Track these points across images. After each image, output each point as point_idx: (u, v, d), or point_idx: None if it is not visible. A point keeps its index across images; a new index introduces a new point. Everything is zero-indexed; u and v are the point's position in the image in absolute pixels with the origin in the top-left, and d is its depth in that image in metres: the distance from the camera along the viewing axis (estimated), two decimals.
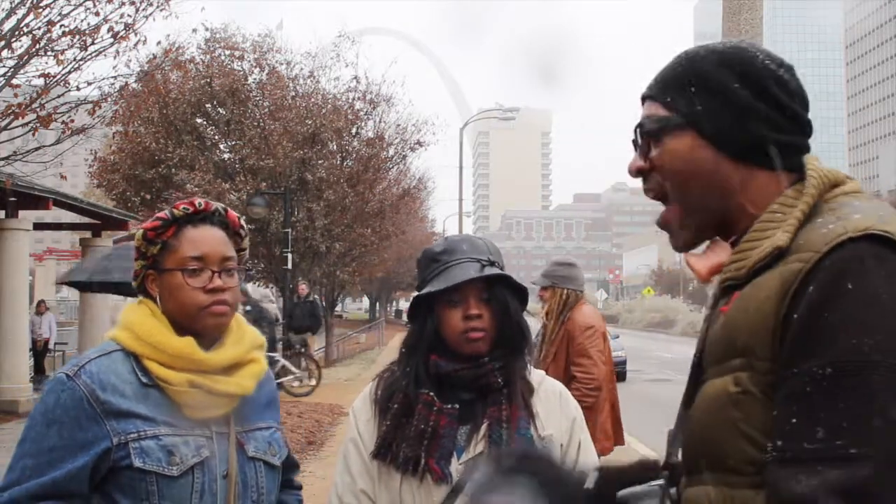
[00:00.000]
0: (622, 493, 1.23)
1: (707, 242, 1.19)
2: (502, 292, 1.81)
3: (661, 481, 1.14)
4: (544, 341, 4.47)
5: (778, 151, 1.09)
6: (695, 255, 1.18)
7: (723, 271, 1.10)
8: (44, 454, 1.52)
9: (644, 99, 1.19)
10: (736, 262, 1.06)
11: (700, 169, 1.11)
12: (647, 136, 1.16)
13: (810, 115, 1.15)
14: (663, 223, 1.18)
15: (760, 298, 0.99)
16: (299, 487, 1.90)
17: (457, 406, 1.78)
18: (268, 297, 15.56)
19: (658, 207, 1.20)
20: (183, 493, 1.56)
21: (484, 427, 1.77)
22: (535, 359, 4.48)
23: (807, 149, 1.13)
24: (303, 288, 16.17)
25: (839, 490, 0.86)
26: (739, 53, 1.12)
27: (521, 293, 1.86)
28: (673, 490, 1.11)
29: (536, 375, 1.92)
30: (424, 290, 1.82)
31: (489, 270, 1.78)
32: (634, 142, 1.18)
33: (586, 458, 1.88)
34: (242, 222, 1.78)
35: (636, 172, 1.17)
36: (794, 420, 0.91)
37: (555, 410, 1.87)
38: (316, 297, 17.76)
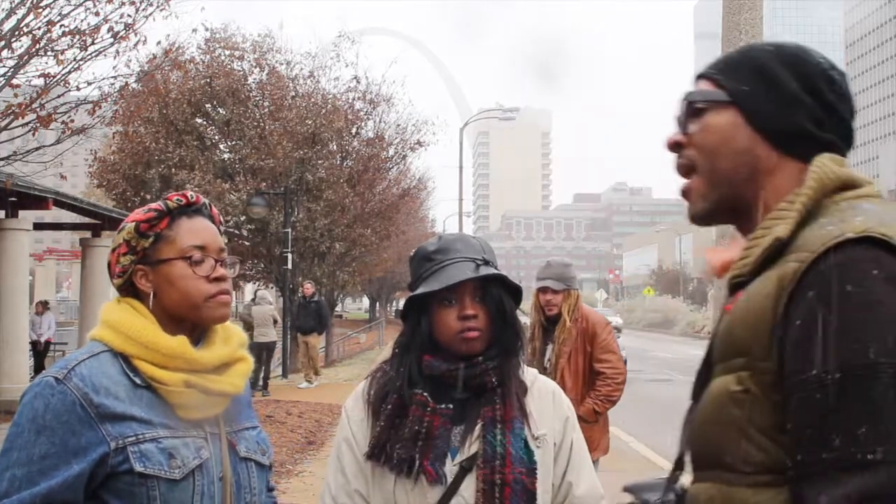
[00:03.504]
0: (628, 484, 1.26)
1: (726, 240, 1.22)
2: (497, 292, 1.80)
3: (666, 475, 1.17)
4: (555, 342, 4.50)
5: (811, 146, 1.11)
6: (714, 250, 1.20)
7: (731, 269, 1.11)
8: (35, 463, 1.43)
9: (698, 78, 1.23)
10: (742, 260, 1.08)
11: (735, 146, 1.14)
12: (691, 109, 1.19)
13: None
14: (684, 192, 1.21)
15: (760, 297, 1.00)
16: (272, 489, 1.87)
17: (451, 406, 1.77)
18: (265, 299, 15.52)
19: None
20: (185, 496, 1.52)
21: (478, 427, 1.76)
22: (534, 359, 4.53)
23: (842, 153, 1.14)
24: (308, 288, 16.05)
25: (860, 497, 0.87)
26: (796, 50, 1.16)
27: (515, 292, 1.84)
28: (678, 484, 1.13)
29: (529, 374, 1.91)
30: (419, 290, 1.80)
31: (484, 270, 1.77)
32: (678, 117, 1.21)
33: (579, 457, 1.87)
34: (221, 218, 1.76)
35: (673, 146, 1.20)
36: (808, 430, 0.92)
37: (548, 410, 1.86)
38: (321, 297, 17.47)
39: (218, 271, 1.64)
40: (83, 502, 1.46)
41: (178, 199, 1.65)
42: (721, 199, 1.17)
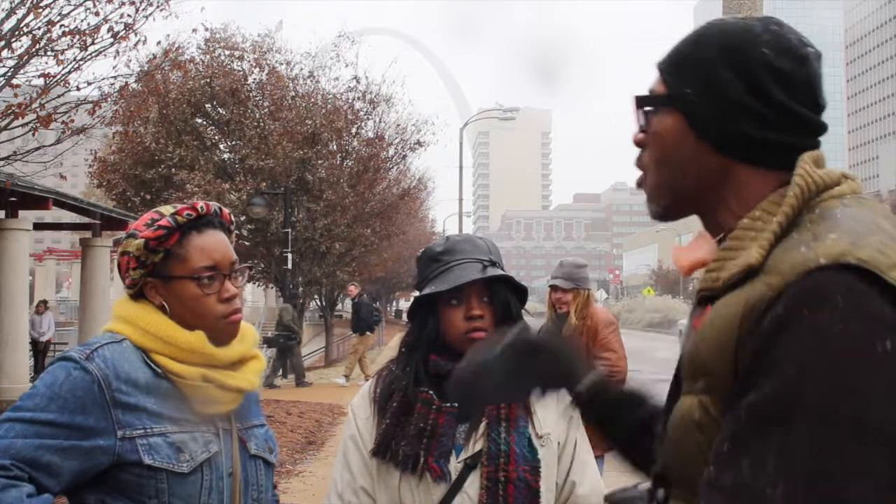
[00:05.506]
0: (611, 494, 1.24)
1: (692, 235, 1.17)
2: (503, 293, 1.82)
3: (648, 486, 1.14)
4: None
5: (763, 149, 1.03)
6: (680, 248, 1.14)
7: (701, 280, 1.04)
8: (37, 424, 1.44)
9: (657, 68, 1.14)
10: (712, 273, 1.01)
11: (679, 153, 1.06)
12: (639, 109, 1.11)
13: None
14: (639, 186, 1.14)
15: (725, 320, 0.95)
16: (274, 486, 1.88)
17: (456, 405, 1.78)
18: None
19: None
20: (192, 490, 1.54)
21: (483, 425, 1.77)
22: None
23: (808, 148, 1.04)
24: (352, 289, 15.92)
25: None
26: (739, 42, 1.04)
27: (520, 293, 1.86)
28: (660, 496, 1.10)
29: None
30: (426, 291, 1.82)
31: (491, 271, 1.79)
32: (635, 115, 1.13)
33: (582, 456, 1.89)
34: (232, 217, 1.76)
35: (637, 144, 1.12)
36: (726, 446, 0.90)
37: (552, 409, 1.87)
38: (363, 298, 17.02)
39: (229, 290, 1.64)
40: (65, 473, 1.45)
41: (187, 214, 1.63)
42: (670, 205, 1.11)
